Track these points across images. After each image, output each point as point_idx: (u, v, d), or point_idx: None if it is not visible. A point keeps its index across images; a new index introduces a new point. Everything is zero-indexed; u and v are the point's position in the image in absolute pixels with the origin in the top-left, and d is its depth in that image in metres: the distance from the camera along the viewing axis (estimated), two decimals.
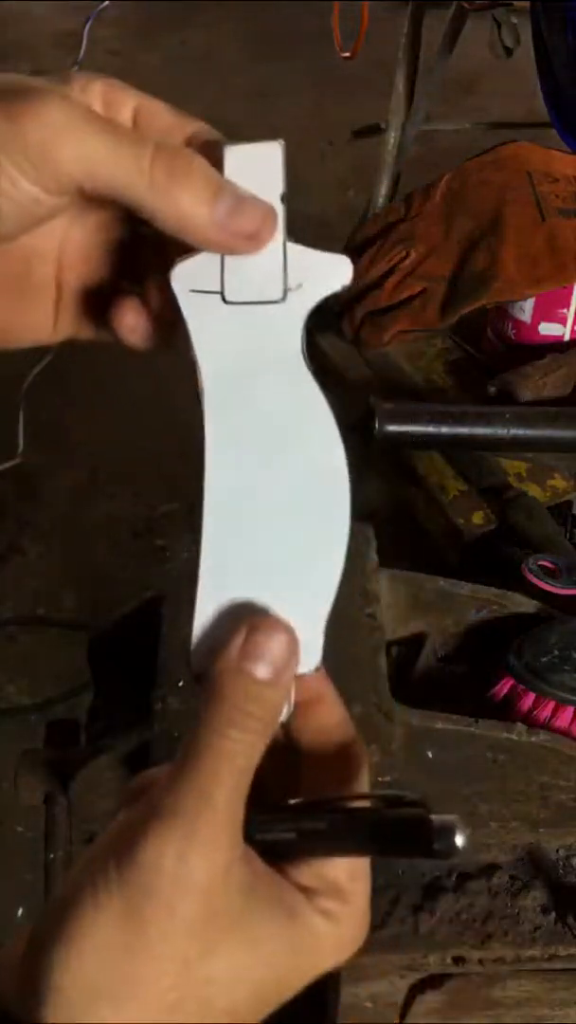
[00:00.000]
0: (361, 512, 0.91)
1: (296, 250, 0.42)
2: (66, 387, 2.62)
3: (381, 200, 1.90)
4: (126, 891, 0.36)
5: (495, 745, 0.72)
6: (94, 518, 2.25)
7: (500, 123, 2.48)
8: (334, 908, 0.40)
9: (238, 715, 0.38)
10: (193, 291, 0.41)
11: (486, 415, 0.99)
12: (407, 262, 1.15)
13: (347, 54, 1.96)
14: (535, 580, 0.81)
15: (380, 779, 0.67)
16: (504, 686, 0.75)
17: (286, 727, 0.41)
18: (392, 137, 1.93)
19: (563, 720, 0.74)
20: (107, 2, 4.08)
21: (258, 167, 0.41)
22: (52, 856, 0.76)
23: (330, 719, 0.42)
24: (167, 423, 2.47)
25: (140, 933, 0.36)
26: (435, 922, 0.76)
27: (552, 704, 0.74)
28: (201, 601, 0.41)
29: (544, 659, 0.74)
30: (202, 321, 0.41)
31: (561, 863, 0.79)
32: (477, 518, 0.97)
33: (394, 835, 0.39)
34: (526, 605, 0.81)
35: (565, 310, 1.10)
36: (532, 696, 0.74)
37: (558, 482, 1.01)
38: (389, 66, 1.94)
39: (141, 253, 0.44)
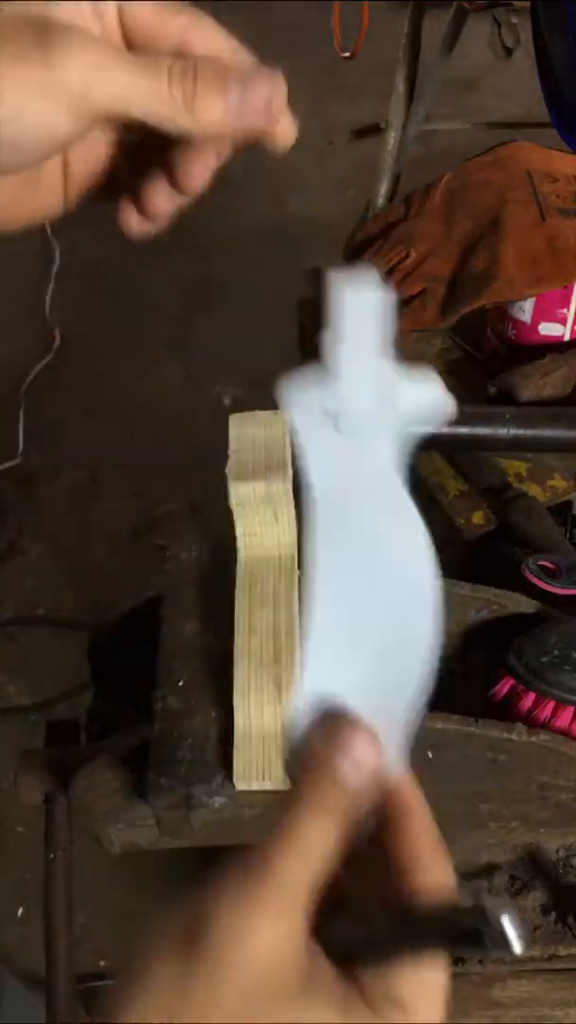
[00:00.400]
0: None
1: (406, 384, 0.45)
2: (66, 387, 2.62)
3: (381, 200, 1.90)
4: (188, 948, 0.37)
5: (495, 745, 0.72)
6: (94, 518, 2.25)
7: (500, 123, 2.48)
8: (392, 1016, 0.39)
9: (318, 806, 0.39)
10: (309, 414, 0.45)
11: (486, 415, 0.99)
12: (407, 262, 1.15)
13: (347, 54, 1.96)
14: (535, 580, 0.81)
15: None
16: (504, 686, 0.75)
17: (375, 838, 0.42)
18: (392, 137, 1.93)
19: (563, 720, 0.74)
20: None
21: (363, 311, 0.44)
22: (52, 856, 0.76)
23: (418, 831, 0.42)
24: (167, 423, 2.47)
25: (196, 984, 0.36)
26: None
27: (552, 704, 0.74)
28: (297, 705, 0.43)
29: (544, 659, 0.74)
30: (314, 444, 0.45)
31: (561, 863, 0.79)
32: (477, 518, 0.97)
33: (454, 933, 0.38)
34: (526, 605, 0.81)
35: (565, 310, 1.10)
36: (532, 696, 0.74)
37: (558, 482, 1.01)
38: (389, 66, 1.94)
39: (143, 149, 0.48)
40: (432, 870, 0.41)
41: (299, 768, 0.40)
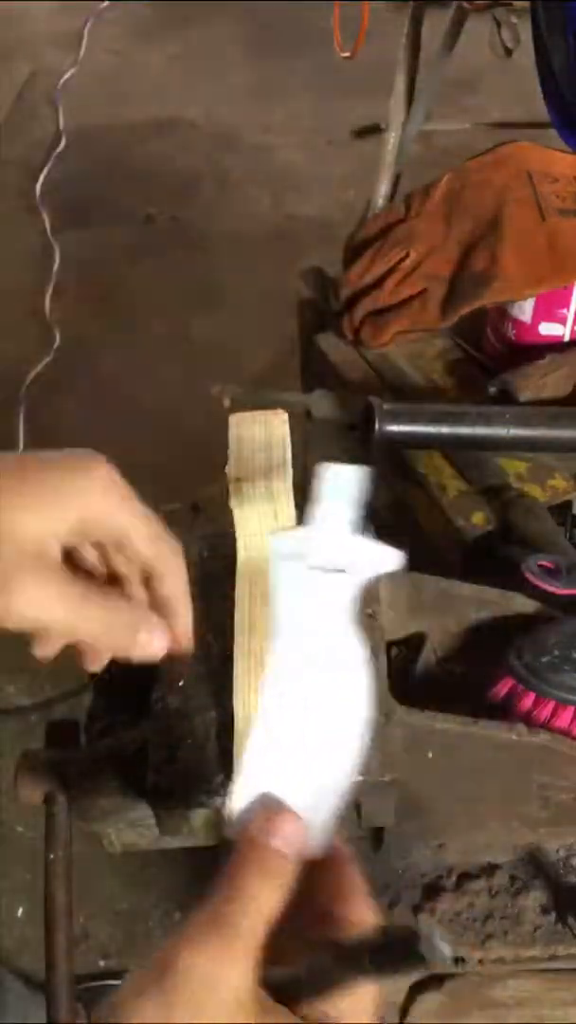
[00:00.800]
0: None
1: (365, 541, 0.58)
2: (66, 387, 2.62)
3: (381, 200, 1.91)
4: (164, 987, 0.45)
5: (495, 745, 0.72)
6: None
7: (500, 123, 2.48)
8: None
9: (258, 872, 0.49)
10: (284, 555, 0.57)
11: (486, 415, 0.99)
12: (407, 262, 1.15)
13: (347, 54, 1.96)
14: (535, 580, 0.81)
15: (380, 779, 0.67)
16: (504, 686, 0.75)
17: (309, 892, 0.51)
18: (392, 137, 1.93)
19: (563, 720, 0.74)
20: (107, 2, 4.08)
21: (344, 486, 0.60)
22: (52, 856, 0.76)
23: (347, 878, 0.52)
24: (167, 423, 2.47)
25: (171, 1010, 0.45)
26: (435, 922, 0.76)
27: (552, 704, 0.74)
28: (240, 787, 0.53)
29: (544, 659, 0.74)
30: (284, 577, 0.57)
31: (561, 863, 0.79)
32: (477, 518, 0.97)
33: (388, 953, 0.46)
34: (526, 605, 0.81)
35: (565, 310, 1.10)
36: (532, 696, 0.74)
37: (558, 482, 1.01)
38: (389, 66, 1.95)
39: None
40: (361, 909, 0.51)
41: (241, 840, 0.50)
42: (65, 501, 0.57)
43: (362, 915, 0.51)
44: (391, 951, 0.46)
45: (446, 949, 0.44)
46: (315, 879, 0.51)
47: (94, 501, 0.58)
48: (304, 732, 0.55)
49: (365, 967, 0.47)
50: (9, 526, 0.56)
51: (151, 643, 0.60)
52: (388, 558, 0.59)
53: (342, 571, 0.58)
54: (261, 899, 0.48)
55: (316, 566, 0.58)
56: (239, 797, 0.53)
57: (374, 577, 0.59)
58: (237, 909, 0.47)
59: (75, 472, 0.58)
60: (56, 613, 0.58)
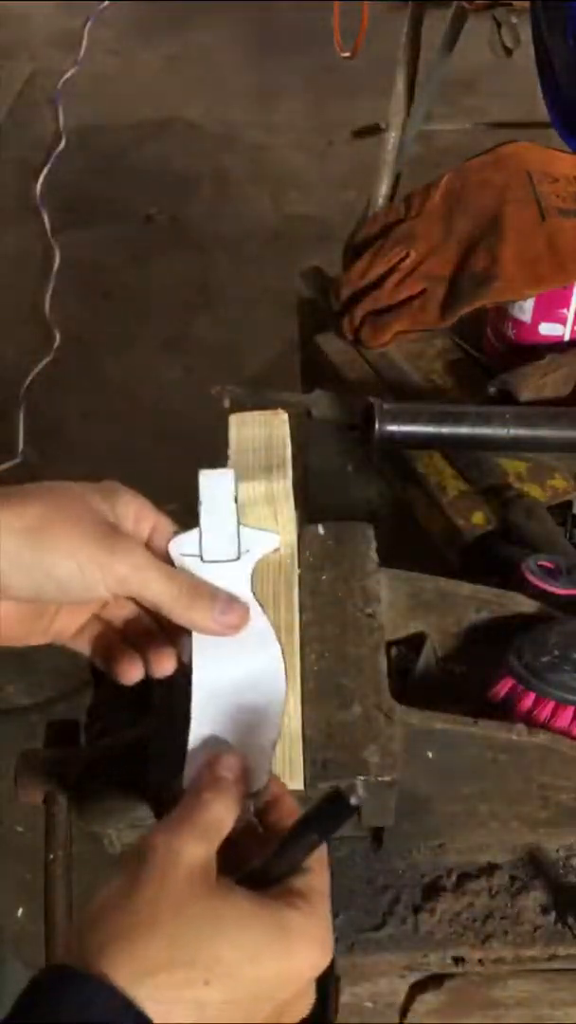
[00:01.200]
0: (361, 512, 0.94)
1: (245, 530, 0.70)
2: (66, 387, 2.62)
3: (381, 200, 1.91)
4: (129, 866, 0.53)
5: (495, 745, 0.72)
6: None
7: (500, 123, 2.48)
8: (299, 903, 0.54)
9: (213, 791, 0.57)
10: (183, 554, 0.68)
11: (486, 415, 0.99)
12: (407, 262, 1.15)
13: (347, 54, 1.96)
14: (535, 580, 0.81)
15: (380, 779, 0.67)
16: (504, 686, 0.75)
17: (259, 818, 0.61)
18: (392, 137, 1.93)
19: (563, 720, 0.74)
20: (107, 2, 4.08)
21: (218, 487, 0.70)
22: (52, 856, 0.76)
23: (287, 810, 0.60)
24: (167, 423, 2.47)
25: (137, 892, 0.51)
26: (435, 922, 0.76)
27: (552, 704, 0.74)
28: (192, 746, 0.63)
29: (544, 659, 0.74)
30: (186, 572, 0.68)
31: (561, 863, 0.79)
32: (477, 518, 0.97)
33: (322, 815, 0.54)
34: (526, 605, 0.81)
35: (565, 310, 1.10)
36: (532, 696, 0.74)
37: (558, 482, 1.01)
38: (389, 66, 1.94)
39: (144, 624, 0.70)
40: (288, 804, 0.61)
41: (196, 776, 0.59)
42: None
43: (289, 808, 0.60)
44: (323, 813, 0.54)
45: (361, 789, 0.57)
46: (266, 813, 0.60)
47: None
48: (233, 692, 0.65)
49: (310, 836, 0.55)
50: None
51: (229, 620, 0.66)
52: (268, 541, 0.71)
53: (234, 559, 0.69)
54: (216, 810, 0.56)
55: (211, 560, 0.69)
56: (192, 758, 0.63)
57: (261, 556, 0.70)
58: (194, 809, 0.55)
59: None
60: (150, 576, 0.64)
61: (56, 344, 2.71)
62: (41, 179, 3.27)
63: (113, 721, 0.79)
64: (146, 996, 0.48)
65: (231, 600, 0.67)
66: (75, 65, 3.79)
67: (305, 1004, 0.56)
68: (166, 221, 3.17)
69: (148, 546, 0.67)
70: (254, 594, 0.69)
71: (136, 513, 0.68)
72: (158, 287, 2.92)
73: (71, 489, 0.65)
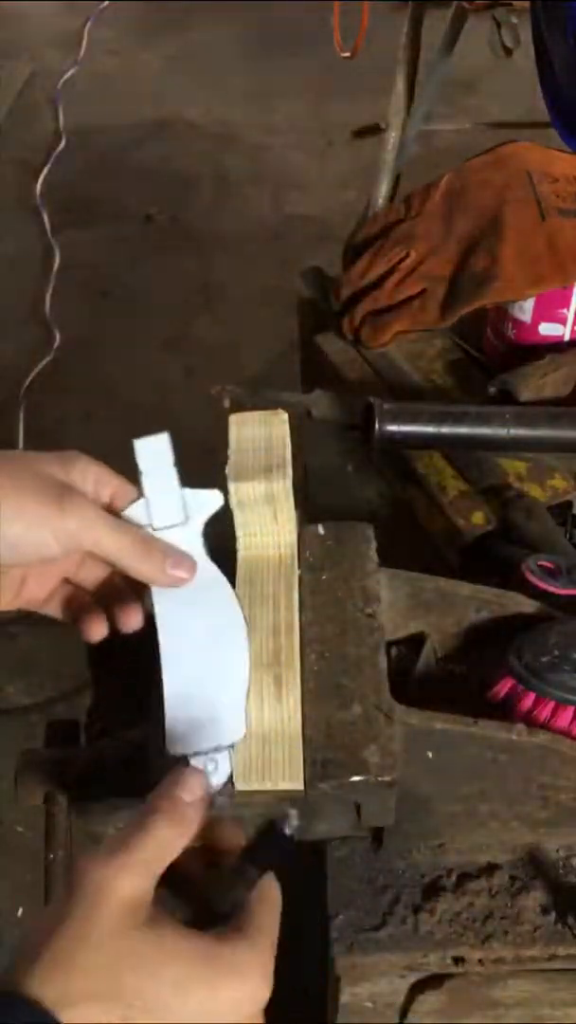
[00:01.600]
0: (361, 512, 0.94)
1: (188, 492, 0.71)
2: (66, 387, 2.62)
3: (381, 200, 1.91)
4: (63, 894, 0.54)
5: (495, 745, 0.72)
6: None
7: (500, 123, 2.48)
8: (233, 937, 0.55)
9: (167, 818, 0.57)
10: (136, 524, 0.70)
11: (486, 415, 0.99)
12: (407, 262, 1.15)
13: (347, 54, 1.96)
14: (535, 580, 0.81)
15: (380, 779, 0.67)
16: (504, 686, 0.75)
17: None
18: (392, 137, 1.93)
19: (563, 720, 0.74)
20: (107, 2, 4.08)
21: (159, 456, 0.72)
22: (52, 856, 0.76)
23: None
24: (167, 423, 2.47)
25: (64, 924, 0.52)
26: (435, 922, 0.76)
27: (552, 704, 0.74)
28: (168, 710, 0.66)
29: (544, 659, 0.74)
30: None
31: (561, 863, 0.79)
32: (477, 518, 0.97)
33: (258, 848, 0.58)
34: (526, 605, 0.81)
35: (565, 310, 1.10)
36: (532, 696, 0.74)
37: (558, 482, 1.01)
38: (389, 66, 1.95)
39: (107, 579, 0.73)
40: (228, 833, 0.62)
41: (154, 796, 0.58)
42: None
43: (231, 837, 0.61)
44: (263, 847, 0.57)
45: (294, 818, 0.57)
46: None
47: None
48: (198, 648, 0.68)
49: (249, 871, 0.56)
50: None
51: (178, 574, 0.68)
52: (213, 500, 0.72)
53: (182, 523, 0.71)
54: (165, 840, 0.56)
55: (161, 526, 0.70)
56: (169, 725, 0.65)
57: (208, 516, 0.72)
58: (140, 841, 0.55)
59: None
60: (100, 531, 0.66)
61: (56, 344, 2.71)
62: (41, 179, 3.28)
63: (113, 721, 0.79)
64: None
65: (180, 553, 0.70)
66: (75, 65, 3.79)
67: None
68: (166, 221, 3.17)
69: (109, 510, 0.69)
70: (207, 554, 0.71)
71: (95, 477, 0.69)
72: (158, 287, 2.93)
73: (22, 456, 0.68)
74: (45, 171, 3.31)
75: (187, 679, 0.67)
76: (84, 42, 3.89)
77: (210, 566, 0.71)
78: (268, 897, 0.58)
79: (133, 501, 0.70)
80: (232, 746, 0.65)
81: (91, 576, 0.72)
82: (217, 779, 0.64)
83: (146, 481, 0.71)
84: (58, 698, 1.91)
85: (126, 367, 2.69)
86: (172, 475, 0.71)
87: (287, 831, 0.55)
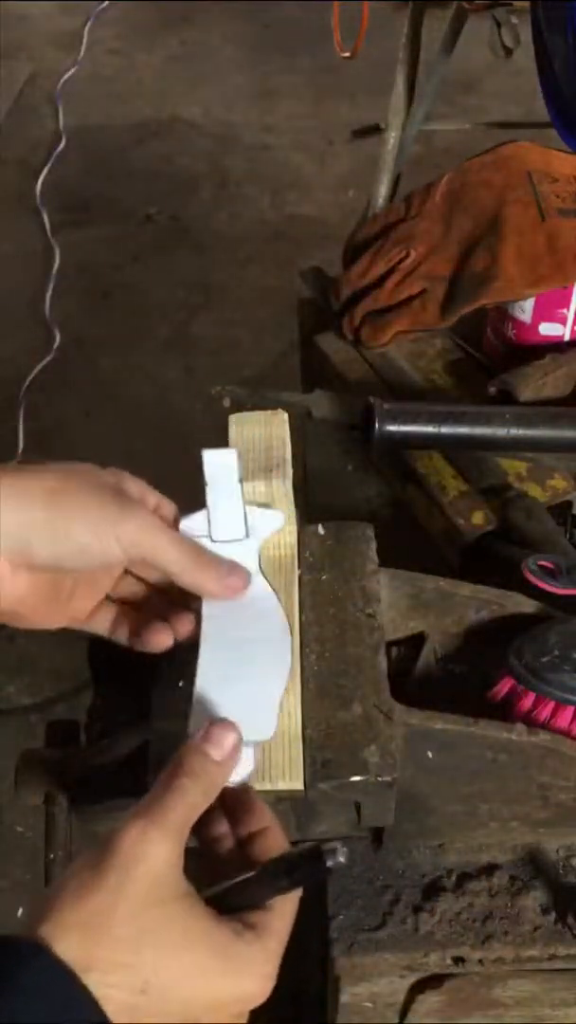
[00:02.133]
0: (361, 512, 0.94)
1: (252, 509, 0.71)
2: (66, 387, 2.62)
3: (381, 200, 1.91)
4: (94, 862, 0.53)
5: (495, 745, 0.72)
6: None
7: (500, 123, 2.48)
8: (248, 936, 0.55)
9: (190, 773, 0.57)
10: (192, 535, 0.70)
11: (486, 415, 0.99)
12: (407, 262, 1.15)
13: (347, 54, 1.95)
14: (535, 580, 0.81)
15: (380, 779, 0.67)
16: (504, 686, 0.75)
17: (242, 846, 0.61)
18: (392, 137, 1.93)
19: (563, 720, 0.74)
20: (107, 2, 4.08)
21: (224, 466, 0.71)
22: (52, 856, 0.76)
23: (271, 843, 0.61)
24: (167, 423, 2.47)
25: (97, 889, 0.52)
26: (435, 922, 0.76)
27: (552, 704, 0.74)
28: (196, 697, 0.66)
29: (544, 659, 0.74)
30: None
31: (561, 863, 0.79)
32: (477, 518, 0.97)
33: (298, 866, 0.56)
34: (526, 605, 0.81)
35: (565, 310, 1.10)
36: (532, 696, 0.74)
37: (558, 482, 1.01)
38: (389, 66, 1.95)
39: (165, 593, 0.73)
40: (276, 838, 0.61)
41: (182, 750, 0.59)
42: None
43: (275, 843, 0.61)
44: (299, 864, 0.56)
45: (341, 856, 0.54)
46: (235, 822, 0.62)
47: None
48: (239, 646, 0.68)
49: (280, 880, 0.56)
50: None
51: (233, 583, 0.69)
52: (274, 520, 0.72)
53: (241, 539, 0.71)
54: (189, 796, 0.56)
55: (220, 540, 0.71)
56: (195, 713, 0.65)
57: (268, 535, 0.72)
58: (167, 801, 0.55)
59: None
60: (160, 538, 0.66)
61: (56, 344, 2.71)
62: (41, 179, 3.27)
63: (113, 721, 0.79)
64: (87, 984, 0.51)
65: (235, 565, 0.70)
66: (75, 65, 3.79)
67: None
68: (166, 221, 3.17)
69: None
70: (261, 571, 0.72)
71: (140, 493, 0.70)
72: (158, 287, 2.93)
73: (81, 466, 0.69)
74: (45, 171, 3.31)
75: (221, 678, 0.67)
76: (84, 42, 3.89)
77: (263, 582, 0.71)
78: (288, 903, 0.58)
79: (191, 513, 0.71)
80: (258, 744, 0.64)
81: (128, 592, 0.73)
82: (239, 775, 0.63)
83: (210, 492, 0.70)
84: (58, 698, 1.91)
85: (126, 367, 2.69)
86: (236, 490, 0.71)
87: (329, 863, 0.54)
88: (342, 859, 0.54)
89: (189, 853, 0.57)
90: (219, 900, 0.56)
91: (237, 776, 0.63)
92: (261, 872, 0.58)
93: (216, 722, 0.60)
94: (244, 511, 0.71)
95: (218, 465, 0.70)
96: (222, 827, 0.62)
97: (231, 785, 0.62)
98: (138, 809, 0.55)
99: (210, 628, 0.69)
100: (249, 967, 0.55)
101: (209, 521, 0.71)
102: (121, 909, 0.52)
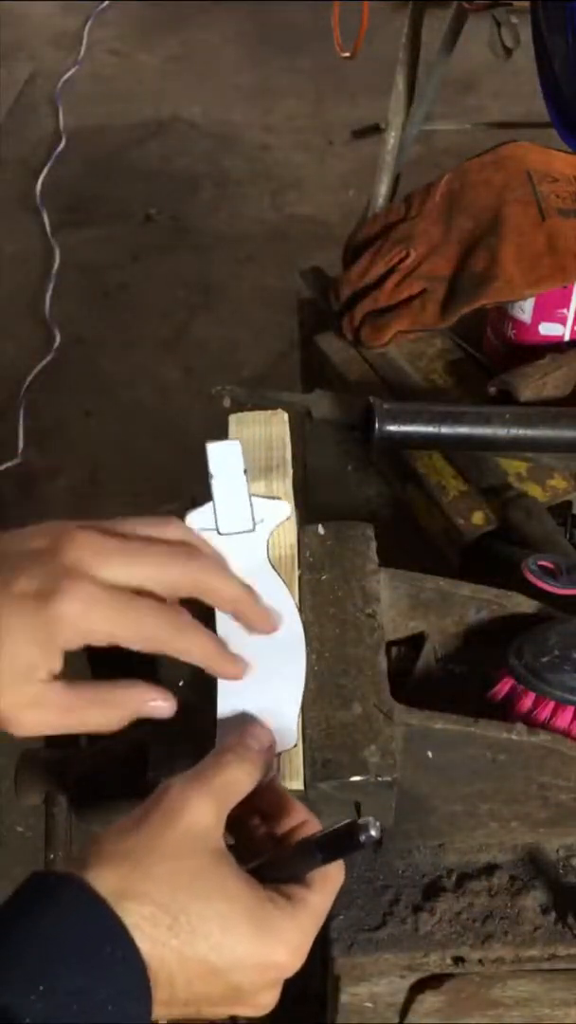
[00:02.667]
0: (361, 512, 0.94)
1: (257, 500, 0.71)
2: (66, 387, 2.62)
3: (381, 200, 1.91)
4: (137, 814, 0.56)
5: (495, 745, 0.72)
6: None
7: (500, 123, 2.48)
8: (283, 904, 0.56)
9: (235, 757, 0.60)
10: (199, 528, 0.69)
11: (486, 415, 0.99)
12: (407, 262, 1.15)
13: (347, 54, 1.95)
14: (535, 580, 0.81)
15: (380, 779, 0.67)
16: (504, 686, 0.75)
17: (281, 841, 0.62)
18: (392, 137, 1.93)
19: (563, 720, 0.74)
20: (107, 2, 4.08)
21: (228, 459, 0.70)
22: (52, 856, 0.76)
23: (289, 809, 0.63)
24: (167, 423, 2.47)
25: (139, 828, 0.55)
26: (435, 922, 0.76)
27: (552, 704, 0.74)
28: (220, 715, 0.67)
29: (544, 659, 0.74)
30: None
31: (561, 863, 0.79)
32: (477, 518, 0.97)
33: (334, 842, 0.57)
34: (526, 605, 0.81)
35: (565, 310, 1.10)
36: (532, 696, 0.74)
37: (558, 482, 1.01)
38: (389, 66, 1.95)
39: None
40: (314, 829, 0.62)
41: (224, 744, 0.61)
42: None
43: (308, 827, 0.62)
44: (334, 841, 0.57)
45: (374, 830, 0.55)
46: (273, 823, 0.63)
47: None
48: (257, 659, 0.67)
49: (316, 857, 0.57)
50: None
51: (198, 649, 0.64)
52: (280, 510, 0.72)
53: (249, 530, 0.71)
54: (233, 769, 0.58)
55: (227, 532, 0.70)
56: (221, 715, 0.67)
57: (275, 526, 0.72)
58: (211, 769, 0.58)
59: None
60: (97, 614, 0.60)
61: (56, 344, 2.71)
62: (41, 179, 3.28)
63: None
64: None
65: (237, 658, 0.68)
66: (75, 65, 3.79)
67: (266, 1002, 0.57)
68: (166, 221, 3.17)
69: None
70: (270, 561, 0.71)
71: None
72: (158, 287, 2.93)
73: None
74: (45, 171, 3.31)
75: (242, 687, 0.67)
76: (84, 42, 3.89)
77: (274, 576, 0.71)
78: (329, 881, 0.59)
79: (198, 506, 0.70)
80: (280, 754, 0.66)
81: None
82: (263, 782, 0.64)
83: (216, 484, 0.70)
84: None
85: (126, 367, 2.69)
86: (242, 482, 0.70)
87: (362, 838, 0.55)
88: (375, 833, 0.55)
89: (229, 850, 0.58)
90: (257, 872, 0.57)
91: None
92: (297, 847, 0.59)
93: (252, 723, 0.64)
94: (250, 502, 0.71)
95: (222, 457, 0.70)
96: (260, 829, 0.63)
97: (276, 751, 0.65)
98: (183, 775, 0.57)
99: (226, 635, 0.68)
100: (279, 934, 0.55)
101: (215, 514, 0.70)
102: (160, 850, 0.54)
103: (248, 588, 0.67)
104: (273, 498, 0.72)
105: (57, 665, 0.59)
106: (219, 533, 0.70)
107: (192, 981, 0.53)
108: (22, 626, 0.58)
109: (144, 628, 0.61)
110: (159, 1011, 0.52)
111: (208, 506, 0.70)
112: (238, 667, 0.67)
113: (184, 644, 0.63)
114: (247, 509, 0.71)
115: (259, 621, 0.68)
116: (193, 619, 0.64)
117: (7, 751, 0.90)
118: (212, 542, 0.69)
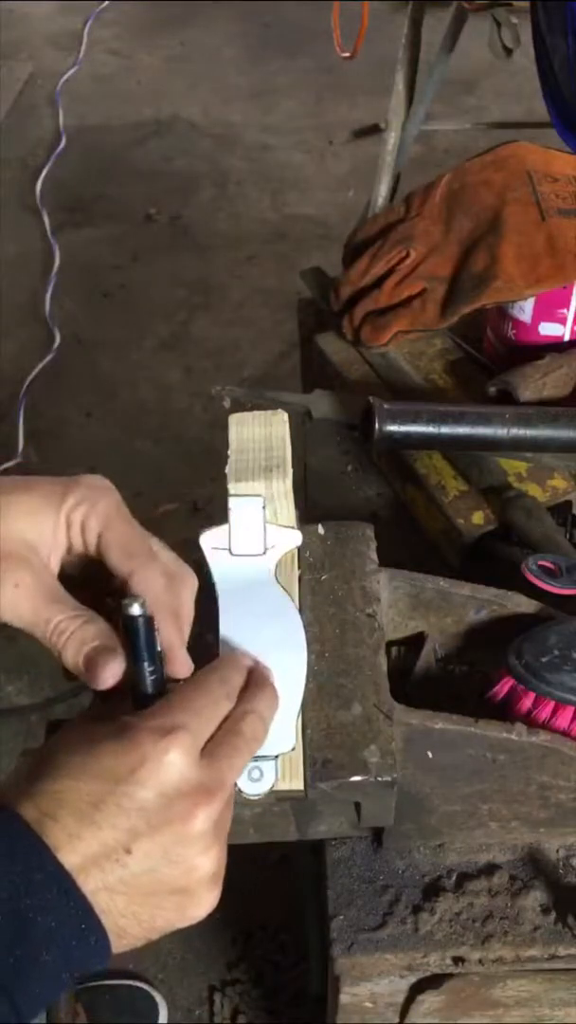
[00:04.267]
0: (361, 512, 0.95)
1: (272, 528, 0.73)
2: (66, 387, 2.62)
3: (381, 200, 1.90)
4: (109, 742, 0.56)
5: (495, 745, 0.72)
6: None
7: (500, 123, 2.48)
8: (143, 713, 0.57)
9: (218, 679, 0.61)
10: (213, 548, 0.73)
11: (486, 415, 0.99)
12: (407, 262, 1.15)
13: (347, 54, 1.95)
14: (535, 580, 0.81)
15: (380, 778, 0.67)
16: (504, 686, 0.75)
17: None
18: (392, 137, 1.93)
19: (563, 720, 0.74)
20: (107, 2, 4.08)
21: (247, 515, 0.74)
22: None
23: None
24: (167, 423, 2.47)
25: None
26: (435, 922, 0.76)
27: (552, 704, 0.74)
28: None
29: (544, 659, 0.74)
30: (217, 564, 0.73)
31: (561, 863, 0.79)
32: (477, 518, 0.97)
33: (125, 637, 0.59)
34: (526, 605, 0.81)
35: (565, 310, 1.10)
36: (532, 696, 0.74)
37: (558, 482, 1.01)
38: (389, 66, 1.94)
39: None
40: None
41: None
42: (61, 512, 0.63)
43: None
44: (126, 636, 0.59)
45: (135, 606, 0.58)
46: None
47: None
48: (257, 656, 0.67)
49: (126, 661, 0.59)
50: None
51: (98, 673, 0.60)
52: (291, 538, 0.74)
53: (260, 554, 0.73)
54: (211, 698, 0.59)
55: (238, 554, 0.73)
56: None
57: (284, 552, 0.74)
58: (194, 712, 0.57)
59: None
60: (22, 610, 0.62)
61: (56, 344, 2.71)
62: (41, 179, 3.28)
63: None
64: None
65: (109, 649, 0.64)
66: (75, 65, 3.79)
67: (208, 898, 0.56)
68: (166, 221, 3.17)
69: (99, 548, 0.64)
70: (278, 581, 0.73)
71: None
72: (158, 287, 2.93)
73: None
74: (45, 171, 3.31)
75: None
76: (84, 42, 3.89)
77: (279, 591, 0.73)
78: (187, 689, 0.59)
79: (215, 526, 0.73)
80: (278, 757, 0.66)
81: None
82: (261, 787, 0.66)
83: (234, 515, 0.73)
84: (58, 698, 1.91)
85: (126, 367, 2.69)
86: (259, 516, 0.73)
87: (134, 611, 0.58)
88: (135, 610, 0.57)
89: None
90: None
91: (260, 788, 0.65)
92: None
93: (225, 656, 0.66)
94: (265, 531, 0.73)
95: (244, 501, 0.73)
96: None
97: (252, 798, 0.66)
98: (160, 707, 0.58)
99: (228, 635, 0.69)
100: (145, 725, 0.55)
101: (230, 536, 0.73)
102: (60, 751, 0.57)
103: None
104: (287, 527, 0.74)
105: None
106: (231, 554, 0.73)
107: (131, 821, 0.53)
108: None
109: None
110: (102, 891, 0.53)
111: (224, 528, 0.73)
112: None
113: None
114: (261, 537, 0.73)
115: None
116: None
117: (7, 751, 0.90)
118: (223, 560, 0.73)
